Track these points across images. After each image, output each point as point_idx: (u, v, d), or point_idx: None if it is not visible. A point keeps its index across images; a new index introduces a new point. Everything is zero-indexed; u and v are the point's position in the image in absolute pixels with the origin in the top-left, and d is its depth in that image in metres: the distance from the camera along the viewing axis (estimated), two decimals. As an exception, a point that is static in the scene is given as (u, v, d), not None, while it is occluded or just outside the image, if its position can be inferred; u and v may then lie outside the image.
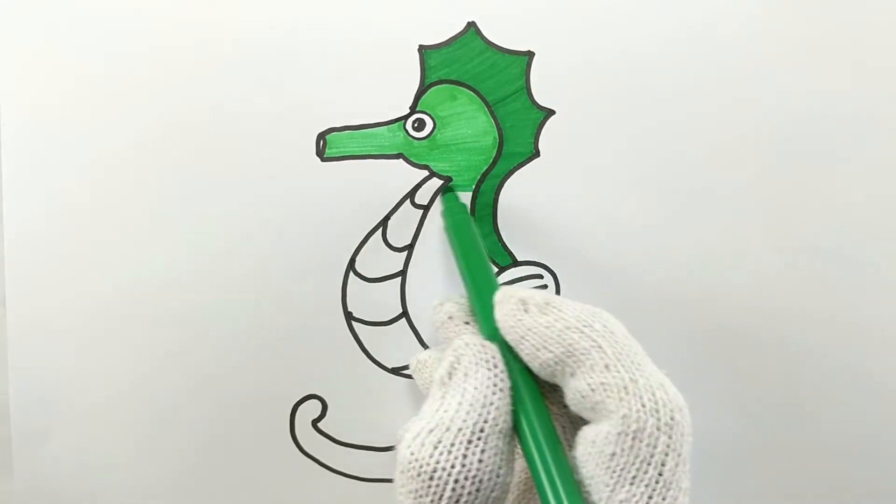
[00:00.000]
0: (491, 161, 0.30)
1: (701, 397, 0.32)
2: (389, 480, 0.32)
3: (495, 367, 0.21)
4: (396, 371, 0.32)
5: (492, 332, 0.23)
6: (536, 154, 0.30)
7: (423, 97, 0.30)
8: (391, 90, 0.30)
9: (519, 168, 0.30)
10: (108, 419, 0.31)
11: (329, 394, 0.32)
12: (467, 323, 0.25)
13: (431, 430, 0.20)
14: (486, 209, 0.31)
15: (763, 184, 0.30)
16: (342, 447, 0.32)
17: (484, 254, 0.27)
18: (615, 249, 0.31)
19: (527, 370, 0.21)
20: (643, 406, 0.18)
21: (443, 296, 0.31)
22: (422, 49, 0.30)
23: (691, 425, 0.19)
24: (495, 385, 0.21)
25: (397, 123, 0.30)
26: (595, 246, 0.31)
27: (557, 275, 0.31)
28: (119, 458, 0.32)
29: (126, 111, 0.30)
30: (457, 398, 0.20)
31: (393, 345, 0.31)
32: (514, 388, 0.21)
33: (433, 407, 0.21)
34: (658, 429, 0.18)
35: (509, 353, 0.22)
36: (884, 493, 0.33)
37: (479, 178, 0.30)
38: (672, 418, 0.18)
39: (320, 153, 0.30)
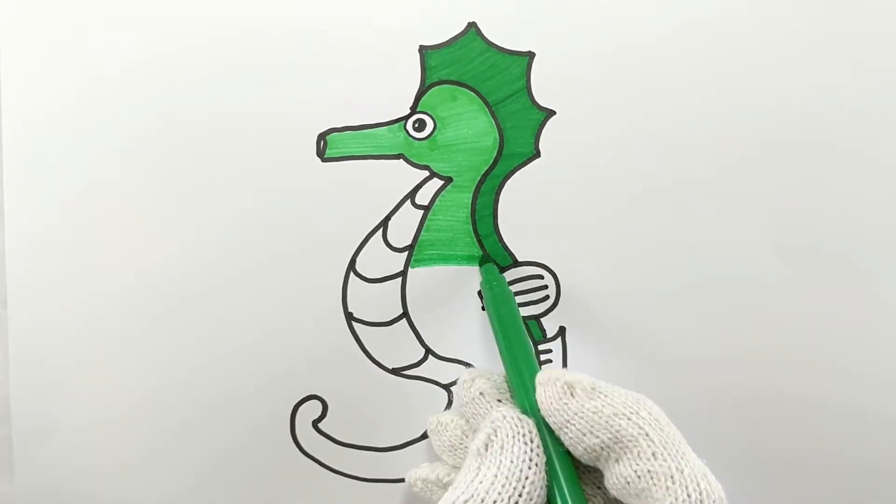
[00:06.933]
0: (491, 161, 0.30)
1: (699, 392, 0.32)
2: (390, 480, 0.32)
3: (531, 441, 0.22)
4: (397, 371, 0.32)
5: (529, 410, 0.23)
6: (537, 154, 0.30)
7: (423, 97, 0.30)
8: (391, 90, 0.30)
9: (519, 168, 0.30)
10: (107, 419, 0.31)
11: (329, 394, 0.32)
12: (500, 401, 0.26)
13: (466, 501, 0.20)
14: (486, 209, 0.31)
15: (767, 184, 0.30)
16: (342, 447, 0.32)
17: (523, 330, 0.27)
18: (615, 249, 0.31)
19: (561, 447, 0.22)
20: (689, 496, 0.19)
21: (443, 298, 0.31)
22: (422, 49, 0.30)
23: None
24: (531, 459, 0.21)
25: (398, 124, 0.30)
26: (595, 246, 0.31)
27: (557, 275, 0.31)
28: (119, 458, 0.32)
29: (127, 112, 0.30)
30: (493, 470, 0.21)
31: (393, 345, 0.31)
32: (549, 464, 0.21)
33: (468, 477, 0.21)
34: None
35: (545, 429, 0.22)
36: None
37: (479, 178, 0.30)
38: None
39: (320, 153, 0.30)
